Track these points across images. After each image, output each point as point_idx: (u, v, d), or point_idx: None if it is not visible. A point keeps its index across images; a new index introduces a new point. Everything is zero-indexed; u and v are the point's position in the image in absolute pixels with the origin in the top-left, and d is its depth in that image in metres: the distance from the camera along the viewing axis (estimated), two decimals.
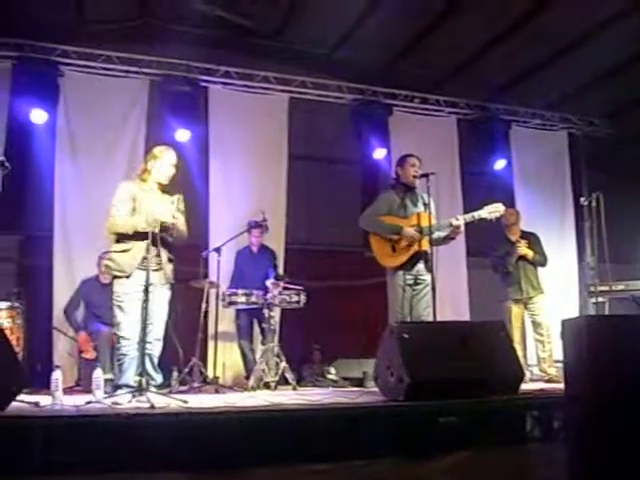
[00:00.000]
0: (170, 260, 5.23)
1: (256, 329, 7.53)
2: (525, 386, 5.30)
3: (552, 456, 3.89)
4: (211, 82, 8.47)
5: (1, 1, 7.16)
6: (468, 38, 8.53)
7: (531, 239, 7.45)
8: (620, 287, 7.86)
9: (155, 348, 5.07)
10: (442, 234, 5.87)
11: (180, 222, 5.19)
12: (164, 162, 5.28)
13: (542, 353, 7.21)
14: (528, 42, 8.29)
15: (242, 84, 8.59)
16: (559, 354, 4.75)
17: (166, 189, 5.31)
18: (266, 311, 7.04)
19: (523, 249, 7.29)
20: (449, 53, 8.93)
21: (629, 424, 2.90)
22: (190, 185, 7.70)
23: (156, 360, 5.11)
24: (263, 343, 7.27)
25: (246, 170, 8.43)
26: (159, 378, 5.11)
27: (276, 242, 8.26)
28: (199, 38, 8.56)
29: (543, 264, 7.47)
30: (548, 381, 6.92)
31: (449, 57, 9.08)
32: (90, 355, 6.81)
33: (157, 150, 5.35)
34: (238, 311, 7.43)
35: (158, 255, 5.08)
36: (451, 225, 5.76)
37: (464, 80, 9.35)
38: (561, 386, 3.55)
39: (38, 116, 7.57)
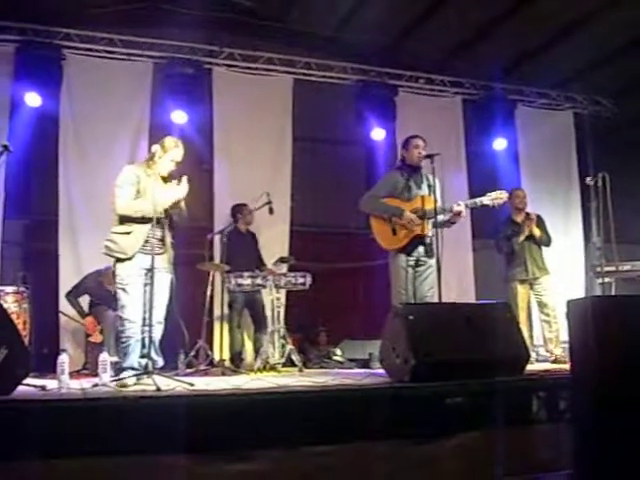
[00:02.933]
0: (172, 244, 5.19)
1: (245, 312, 7.52)
2: (531, 367, 5.29)
3: (558, 437, 3.89)
4: (215, 64, 8.44)
5: None
6: (472, 18, 8.45)
7: (536, 220, 7.42)
8: (626, 267, 7.83)
9: (157, 331, 5.07)
10: (444, 218, 5.81)
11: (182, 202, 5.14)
12: (168, 157, 5.12)
13: (548, 334, 7.20)
14: (533, 21, 8.21)
15: (246, 66, 8.57)
16: (566, 335, 4.75)
17: (167, 178, 5.17)
18: (259, 296, 7.22)
19: (532, 226, 7.26)
20: (453, 33, 8.87)
21: (634, 404, 2.89)
22: (194, 167, 7.67)
23: (157, 343, 5.11)
24: (256, 328, 7.38)
25: (250, 152, 8.41)
26: (160, 361, 5.11)
27: (281, 224, 8.27)
28: (202, 20, 8.50)
29: (547, 244, 7.44)
30: (554, 362, 6.90)
31: (454, 37, 9.02)
32: (96, 339, 6.84)
33: (168, 142, 5.17)
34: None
35: (162, 239, 5.07)
36: (452, 211, 5.72)
37: (469, 60, 9.29)
38: (567, 367, 3.54)
39: (34, 99, 7.56)
